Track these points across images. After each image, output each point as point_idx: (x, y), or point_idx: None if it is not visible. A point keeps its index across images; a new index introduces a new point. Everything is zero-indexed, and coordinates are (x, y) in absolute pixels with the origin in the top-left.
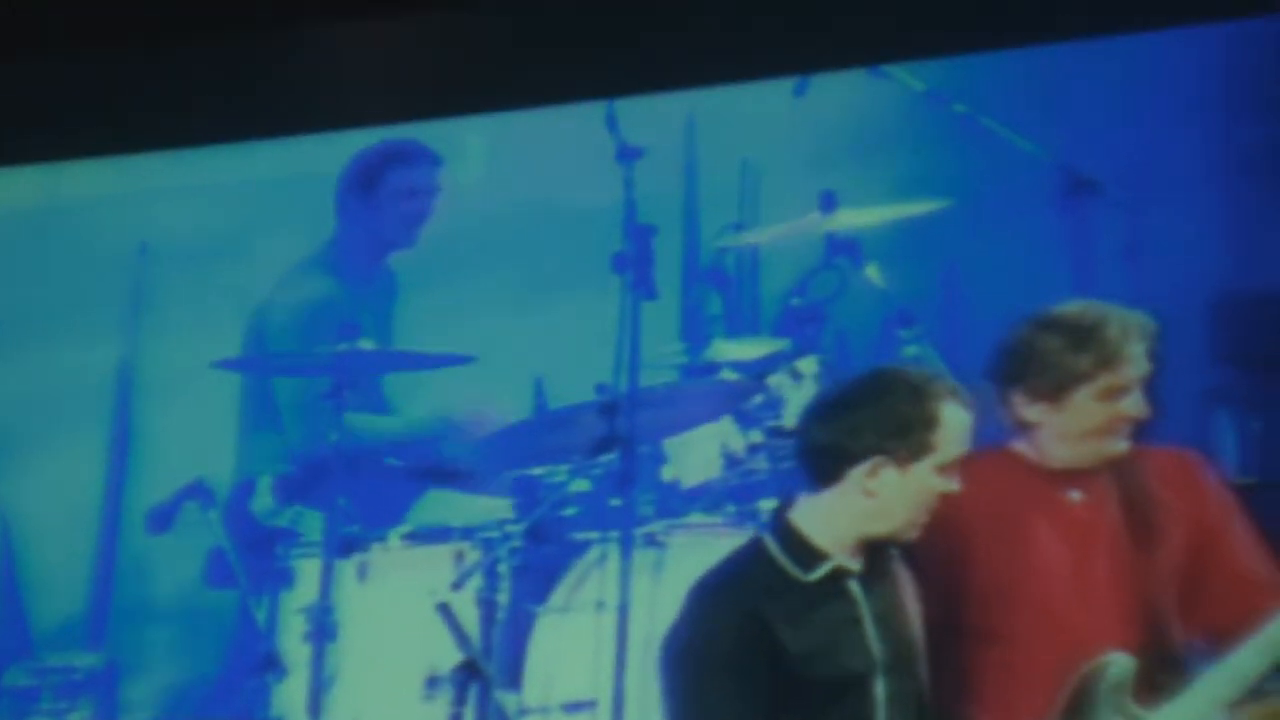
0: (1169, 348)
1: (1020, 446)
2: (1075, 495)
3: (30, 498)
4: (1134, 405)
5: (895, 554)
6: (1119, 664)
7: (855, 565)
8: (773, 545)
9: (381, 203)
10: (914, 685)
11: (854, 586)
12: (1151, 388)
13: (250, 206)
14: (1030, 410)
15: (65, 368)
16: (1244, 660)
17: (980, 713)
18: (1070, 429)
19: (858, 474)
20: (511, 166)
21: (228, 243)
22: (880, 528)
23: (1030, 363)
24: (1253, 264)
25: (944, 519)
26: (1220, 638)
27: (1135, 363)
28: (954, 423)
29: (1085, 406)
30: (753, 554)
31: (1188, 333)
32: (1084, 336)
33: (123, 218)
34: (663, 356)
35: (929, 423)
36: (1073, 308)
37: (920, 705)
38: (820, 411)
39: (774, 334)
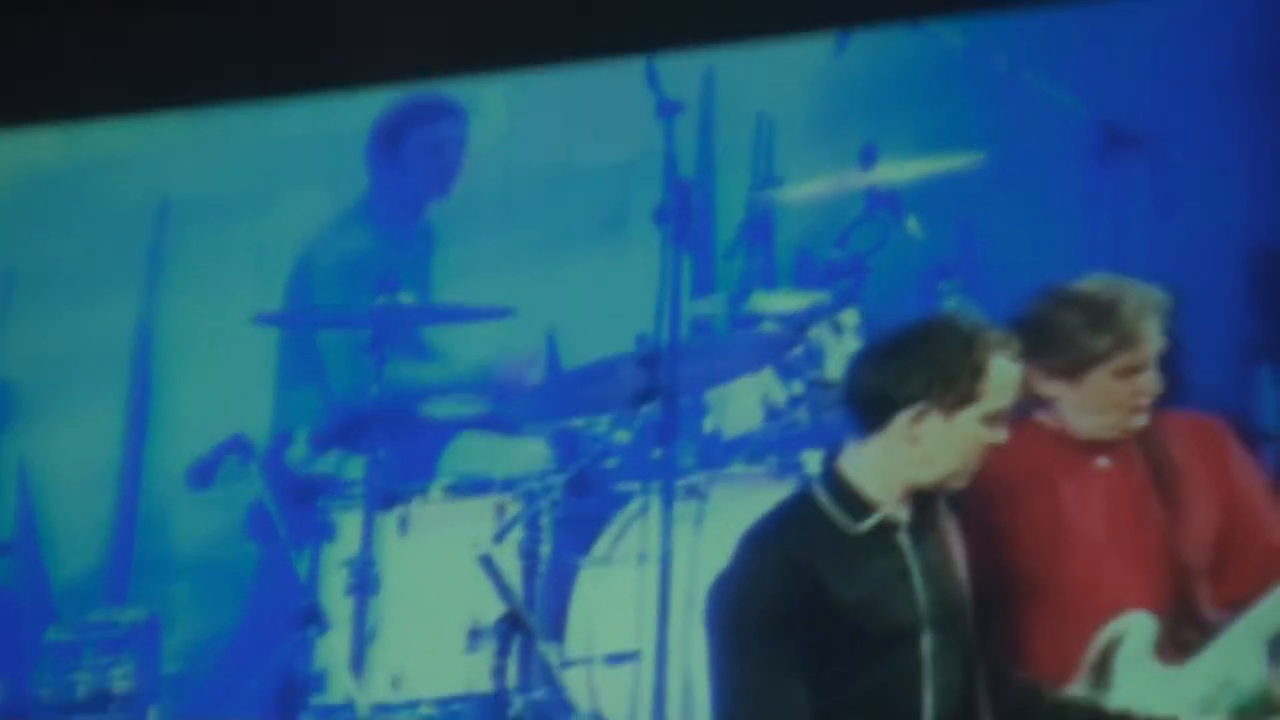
0: (1207, 303)
1: (1042, 417)
2: (1103, 462)
3: (52, 455)
4: (1150, 382)
5: (943, 506)
6: (1142, 623)
7: (904, 516)
8: (822, 495)
9: (408, 159)
10: (961, 639)
11: (903, 539)
12: (1168, 364)
13: (271, 164)
14: (1048, 385)
15: (87, 325)
16: (1266, 618)
17: (1023, 667)
18: (1089, 404)
19: (903, 421)
20: (533, 124)
21: (248, 200)
22: (926, 475)
23: (1048, 339)
24: None
25: (981, 478)
26: (1243, 607)
27: (1152, 340)
28: (1001, 373)
29: (1103, 384)
30: (801, 504)
31: (1226, 287)
32: (1102, 315)
33: (144, 176)
34: (704, 308)
35: (976, 371)
36: (1090, 284)
37: (967, 659)
38: (869, 356)
39: (815, 287)
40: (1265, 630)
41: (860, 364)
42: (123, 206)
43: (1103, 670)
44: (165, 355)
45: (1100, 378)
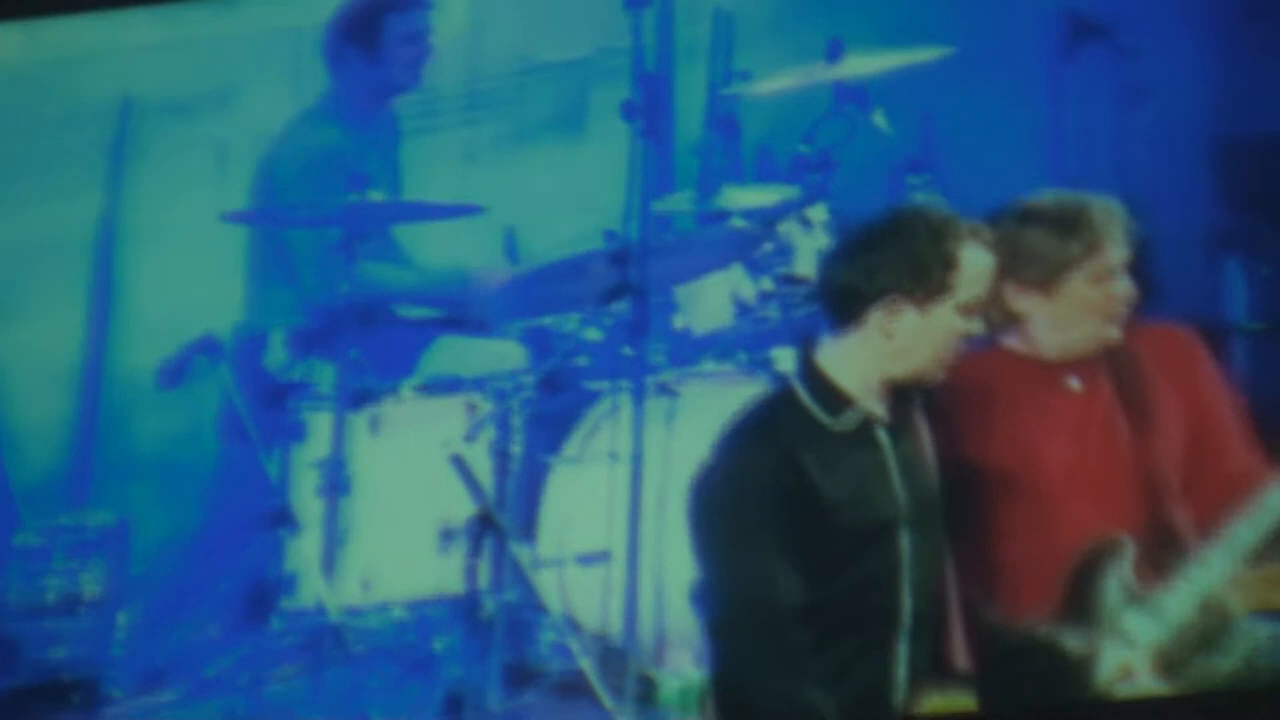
0: (1175, 194)
1: (1011, 343)
2: (1073, 383)
3: (11, 354)
4: (1124, 287)
5: (917, 403)
6: (1118, 544)
7: (882, 412)
8: (801, 390)
9: (384, 49)
10: (936, 537)
11: (881, 434)
12: (1138, 270)
13: (233, 60)
14: (1022, 301)
15: (48, 224)
16: (1239, 534)
17: (993, 576)
18: (1064, 316)
19: (877, 315)
20: (492, 19)
21: (210, 96)
22: (902, 368)
23: (1017, 255)
24: (1255, 107)
25: (952, 402)
26: (1213, 525)
27: (1120, 245)
28: (973, 263)
29: (1078, 291)
30: (782, 398)
31: (1193, 178)
32: (1069, 223)
33: (106, 73)
34: (672, 204)
35: (947, 263)
36: (1048, 198)
37: (940, 560)
38: (841, 251)
39: (783, 182)
40: (1238, 551)
41: (832, 259)
42: (84, 104)
43: (1079, 594)
44: (128, 253)
45: (1075, 285)
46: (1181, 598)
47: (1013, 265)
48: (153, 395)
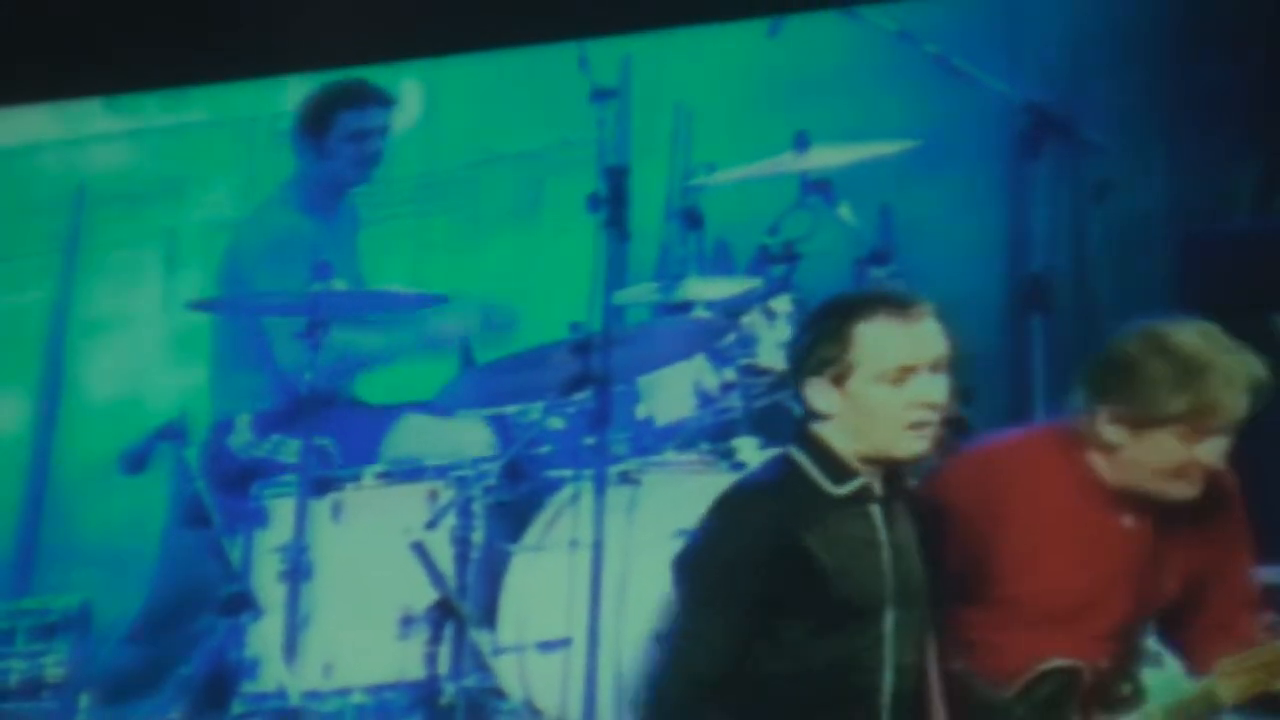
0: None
1: (1094, 456)
2: (1127, 521)
3: None
4: (1212, 452)
5: (909, 485)
6: (1072, 674)
7: (879, 488)
8: (801, 458)
9: (332, 144)
10: (920, 619)
11: (875, 510)
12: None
13: (186, 149)
14: (1111, 431)
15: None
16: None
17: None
18: (1145, 461)
19: (808, 398)
20: (448, 111)
21: (163, 185)
22: (863, 446)
23: (1129, 383)
24: (1214, 204)
25: (987, 488)
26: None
27: (1231, 410)
28: (874, 336)
29: (1165, 444)
30: (778, 465)
31: (1154, 274)
32: (1191, 375)
33: (59, 162)
34: (635, 295)
35: (843, 342)
36: (1189, 338)
37: (923, 641)
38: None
39: (747, 273)
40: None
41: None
42: (39, 193)
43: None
44: (79, 342)
45: (1164, 436)
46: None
47: (1118, 392)
48: (103, 481)
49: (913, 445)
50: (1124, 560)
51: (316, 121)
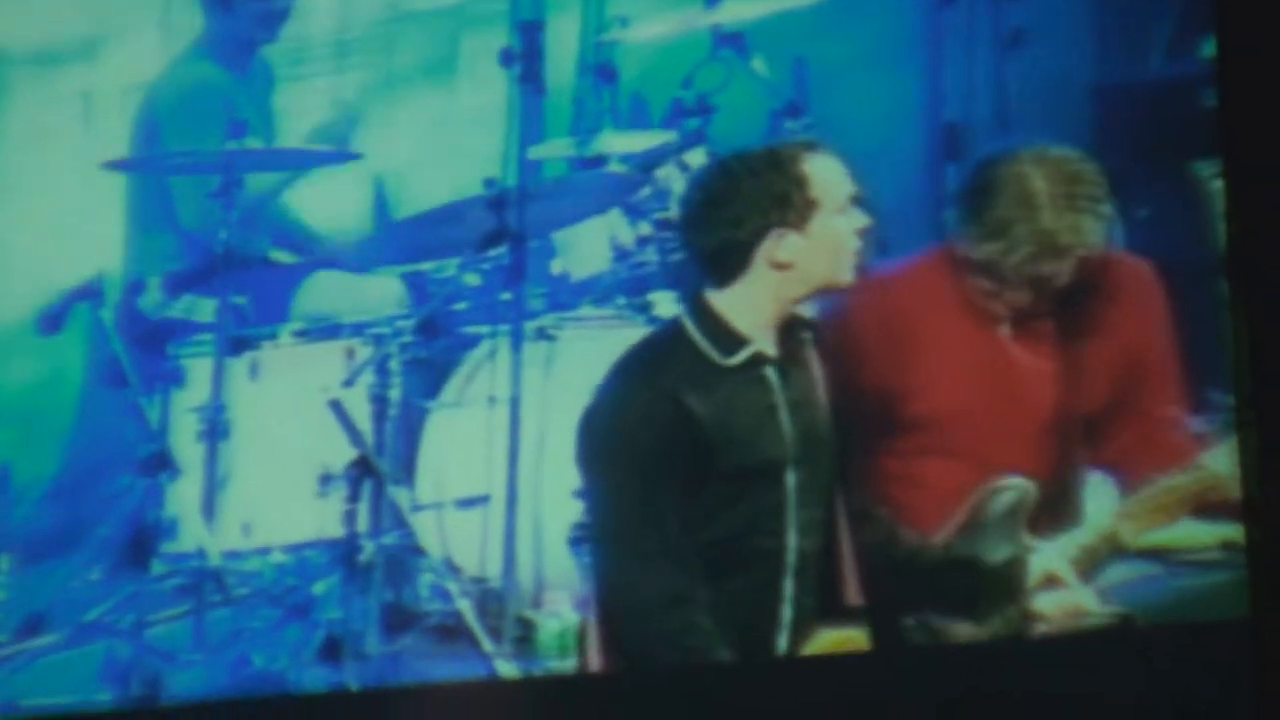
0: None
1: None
2: (1004, 330)
3: None
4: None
5: (809, 338)
6: (1018, 488)
7: (773, 351)
8: (691, 328)
9: (237, 3)
10: (824, 476)
11: (771, 373)
12: None
13: (98, 8)
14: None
15: None
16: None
17: (885, 510)
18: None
19: (762, 254)
20: None
21: (76, 46)
22: (807, 288)
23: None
24: (1129, 52)
25: (886, 316)
26: (1120, 471)
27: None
28: (823, 170)
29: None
30: (672, 336)
31: (1070, 122)
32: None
33: None
34: (549, 150)
35: (801, 183)
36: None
37: (829, 496)
38: (693, 219)
39: (661, 127)
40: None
41: (689, 229)
42: None
43: (971, 531)
44: None
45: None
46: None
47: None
48: (18, 341)
49: (850, 274)
50: (1018, 371)
51: None
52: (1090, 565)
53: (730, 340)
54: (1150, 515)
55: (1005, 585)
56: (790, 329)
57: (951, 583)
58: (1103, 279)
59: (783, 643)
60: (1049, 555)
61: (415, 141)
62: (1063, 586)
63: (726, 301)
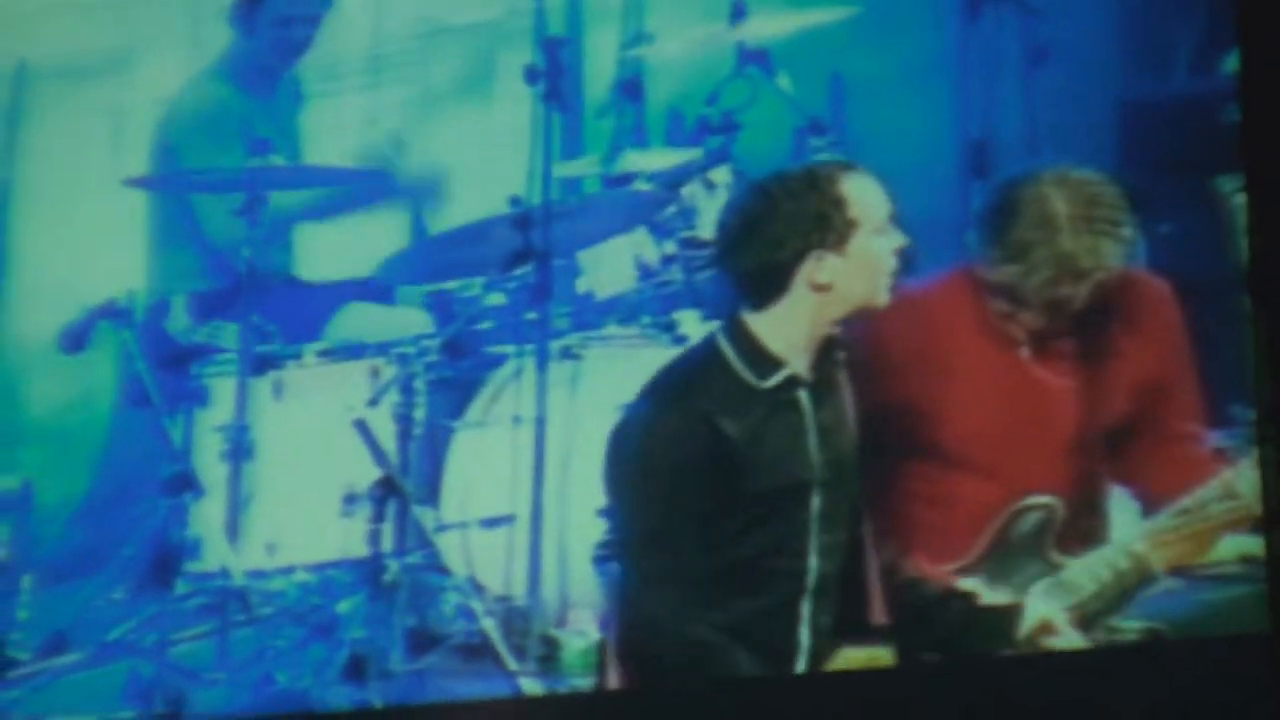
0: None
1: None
2: (1024, 354)
3: None
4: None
5: (842, 359)
6: (1045, 507)
7: (807, 373)
8: (727, 349)
9: (261, 24)
10: (848, 500)
11: (803, 396)
12: None
13: (128, 24)
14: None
15: None
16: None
17: (909, 536)
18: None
19: (802, 276)
20: None
21: (106, 62)
22: (844, 308)
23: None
24: (1153, 68)
25: (912, 336)
26: (1142, 486)
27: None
28: (860, 190)
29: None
30: (706, 357)
31: (1096, 138)
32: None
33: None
34: (576, 168)
35: (839, 203)
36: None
37: (853, 521)
38: (731, 242)
39: (686, 144)
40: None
41: (726, 252)
42: None
43: (1000, 550)
44: (22, 219)
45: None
46: (1094, 567)
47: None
48: (47, 360)
49: (886, 294)
50: (1040, 390)
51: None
52: (1119, 593)
53: (766, 363)
54: (1182, 544)
55: (999, 629)
56: (825, 350)
57: (944, 623)
58: (1120, 300)
59: (801, 663)
60: (1045, 602)
61: (451, 158)
62: (1057, 635)
63: (764, 323)
